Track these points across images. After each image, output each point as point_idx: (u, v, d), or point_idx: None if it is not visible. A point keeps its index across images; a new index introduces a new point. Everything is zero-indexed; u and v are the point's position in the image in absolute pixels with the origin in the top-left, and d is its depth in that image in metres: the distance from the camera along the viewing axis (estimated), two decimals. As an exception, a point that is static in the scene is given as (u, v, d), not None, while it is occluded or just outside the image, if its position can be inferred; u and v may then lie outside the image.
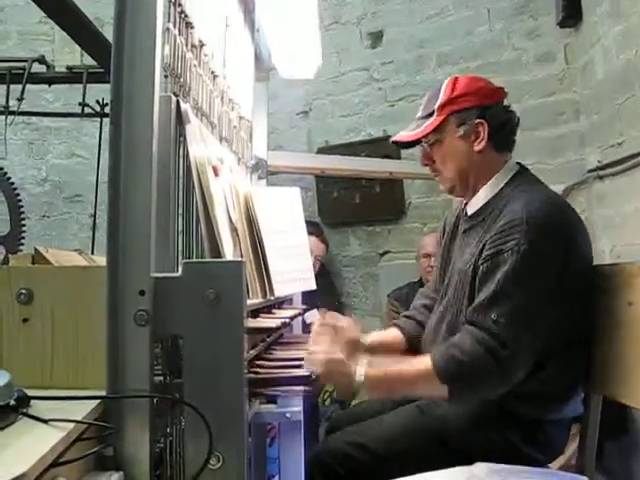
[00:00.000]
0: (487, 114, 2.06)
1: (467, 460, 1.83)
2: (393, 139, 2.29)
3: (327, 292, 4.13)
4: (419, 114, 2.21)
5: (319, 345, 1.99)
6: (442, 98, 2.11)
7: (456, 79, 2.14)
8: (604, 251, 3.92)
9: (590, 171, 4.12)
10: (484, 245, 1.94)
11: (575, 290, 1.93)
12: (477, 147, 2.07)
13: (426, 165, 2.21)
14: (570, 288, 1.91)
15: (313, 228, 4.04)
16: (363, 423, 2.12)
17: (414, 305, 2.44)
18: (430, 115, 2.14)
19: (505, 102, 2.15)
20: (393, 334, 2.35)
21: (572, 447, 2.41)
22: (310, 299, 2.72)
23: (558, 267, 1.88)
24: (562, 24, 4.37)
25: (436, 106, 2.12)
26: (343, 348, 1.99)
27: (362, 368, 1.89)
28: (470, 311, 1.91)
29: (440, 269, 2.28)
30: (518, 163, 2.15)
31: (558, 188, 4.14)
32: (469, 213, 2.16)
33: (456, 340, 1.89)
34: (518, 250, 1.84)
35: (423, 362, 1.89)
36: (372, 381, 1.88)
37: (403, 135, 2.23)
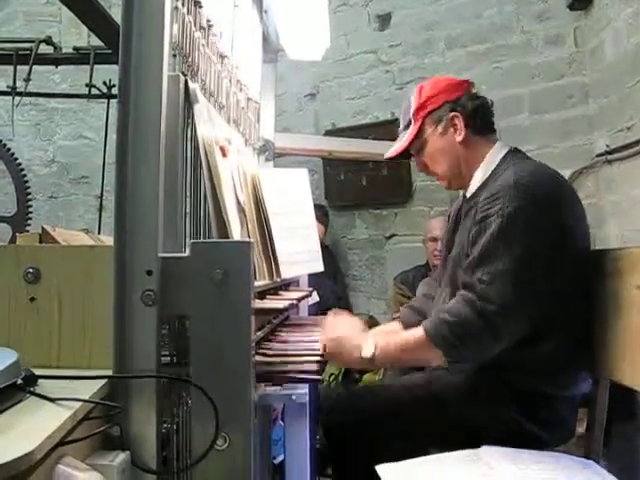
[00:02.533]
0: (458, 106, 2.17)
1: (472, 436, 1.86)
2: (385, 158, 2.41)
3: (326, 272, 4.12)
4: (400, 128, 2.33)
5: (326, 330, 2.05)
6: (414, 106, 2.23)
7: (421, 86, 2.26)
8: (611, 236, 3.91)
9: (598, 155, 4.10)
10: (476, 212, 2.01)
11: (571, 259, 1.96)
12: (459, 138, 2.17)
13: (422, 171, 2.35)
14: (564, 255, 1.94)
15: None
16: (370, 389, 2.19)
17: (417, 292, 2.50)
18: (408, 125, 2.25)
19: (473, 90, 2.25)
20: (393, 326, 2.39)
21: (579, 431, 2.41)
22: (313, 280, 2.73)
23: (546, 231, 1.91)
24: (572, 7, 4.34)
25: (410, 114, 2.24)
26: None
27: (371, 340, 1.99)
28: (460, 274, 1.98)
29: (444, 259, 2.32)
30: (514, 148, 2.20)
31: (566, 172, 4.12)
32: (467, 196, 2.23)
33: (445, 305, 1.96)
34: (503, 213, 1.90)
35: (418, 331, 1.95)
36: (381, 352, 1.97)
37: (392, 151, 2.34)
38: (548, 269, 1.90)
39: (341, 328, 2.04)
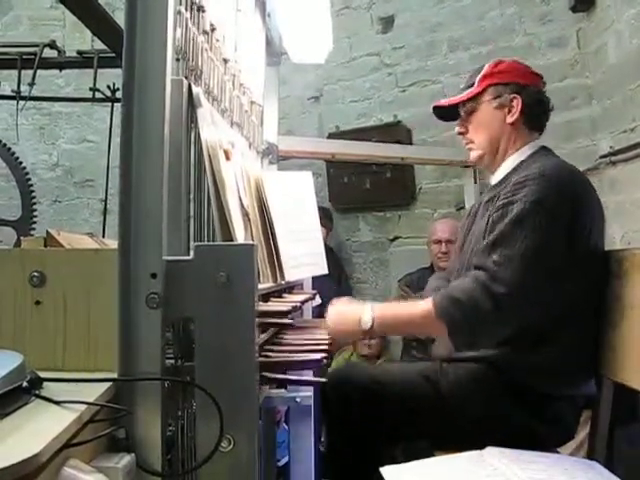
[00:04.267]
0: (523, 91, 2.20)
1: (476, 436, 1.87)
2: (434, 104, 2.43)
3: (331, 275, 4.13)
4: (461, 87, 2.35)
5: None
6: (484, 72, 2.26)
7: (500, 60, 2.31)
8: (615, 237, 3.91)
9: (602, 157, 4.09)
10: (498, 199, 2.04)
11: (584, 256, 1.98)
12: (510, 119, 2.20)
13: (460, 133, 2.33)
14: (579, 254, 1.95)
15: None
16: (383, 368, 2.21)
17: (428, 286, 2.50)
18: (471, 86, 2.28)
19: (543, 89, 2.30)
20: None
21: (583, 434, 2.41)
22: (317, 282, 2.73)
23: (566, 224, 1.93)
24: (574, 8, 4.33)
25: (477, 78, 2.26)
26: None
27: (369, 306, 2.04)
28: (475, 255, 2.00)
29: (460, 246, 2.32)
30: (544, 146, 2.26)
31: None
32: (492, 183, 2.27)
33: (456, 282, 1.99)
34: (527, 200, 1.93)
35: (425, 302, 1.98)
36: (379, 317, 2.00)
37: (445, 100, 2.39)
38: (562, 261, 1.91)
39: (342, 306, 2.09)
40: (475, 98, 2.24)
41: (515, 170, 2.14)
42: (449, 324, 1.91)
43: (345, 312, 2.07)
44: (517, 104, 2.18)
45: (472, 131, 2.28)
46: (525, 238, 1.89)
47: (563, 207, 1.93)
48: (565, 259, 1.91)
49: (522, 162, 2.16)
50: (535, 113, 2.23)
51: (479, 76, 2.26)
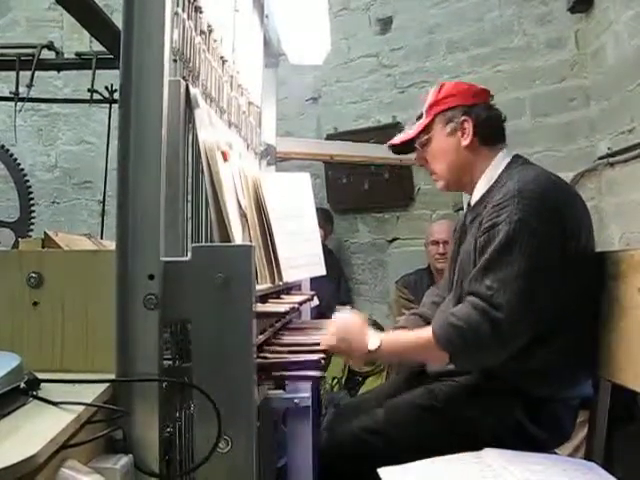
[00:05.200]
0: (471, 112, 2.18)
1: (474, 438, 1.88)
2: (388, 143, 2.44)
3: (329, 276, 4.13)
4: (416, 119, 2.34)
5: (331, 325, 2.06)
6: (430, 100, 2.26)
7: (443, 84, 2.30)
8: (613, 238, 3.91)
9: (600, 158, 4.10)
10: (482, 221, 2.01)
11: (576, 263, 1.95)
12: (464, 142, 2.18)
13: (421, 165, 2.37)
14: (570, 261, 1.93)
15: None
16: (374, 409, 2.17)
17: (423, 302, 2.51)
18: (419, 118, 2.29)
19: (490, 102, 2.26)
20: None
21: (581, 435, 2.41)
22: (315, 283, 2.73)
23: (553, 237, 1.91)
24: (573, 9, 4.34)
25: (424, 109, 2.27)
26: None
27: (377, 333, 2.01)
28: (468, 282, 1.97)
29: (450, 267, 2.32)
30: (517, 155, 2.21)
31: (568, 175, 4.12)
32: (472, 204, 2.23)
33: (454, 309, 1.96)
34: (510, 221, 1.89)
35: (425, 331, 1.97)
36: (387, 345, 1.99)
37: (399, 137, 2.38)
38: (555, 276, 1.90)
39: (347, 322, 2.04)
40: (426, 129, 2.24)
41: (493, 187, 2.12)
42: (451, 352, 1.90)
43: (350, 336, 1.99)
44: (468, 126, 2.16)
45: (431, 161, 2.27)
46: (516, 261, 1.87)
47: (549, 221, 1.91)
48: (558, 270, 1.91)
49: (498, 178, 2.12)
50: (488, 130, 2.19)
51: (425, 106, 2.26)
